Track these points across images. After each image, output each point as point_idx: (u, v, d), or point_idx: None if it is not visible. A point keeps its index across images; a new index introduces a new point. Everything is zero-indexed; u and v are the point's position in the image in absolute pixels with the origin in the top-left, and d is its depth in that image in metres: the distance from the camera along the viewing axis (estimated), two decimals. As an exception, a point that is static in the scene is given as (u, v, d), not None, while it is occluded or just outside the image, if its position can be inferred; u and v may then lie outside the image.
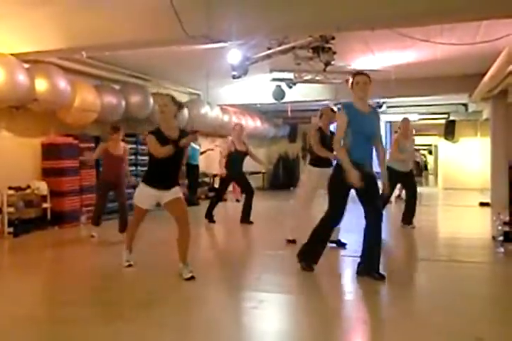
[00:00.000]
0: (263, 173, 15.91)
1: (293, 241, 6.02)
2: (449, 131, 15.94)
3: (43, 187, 7.38)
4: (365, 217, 4.46)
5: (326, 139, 5.79)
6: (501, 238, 5.82)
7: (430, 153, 25.49)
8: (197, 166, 11.38)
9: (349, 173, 4.26)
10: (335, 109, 6.50)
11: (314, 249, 4.65)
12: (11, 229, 6.83)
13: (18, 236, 6.78)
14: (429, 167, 26.20)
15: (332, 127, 5.75)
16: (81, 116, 7.89)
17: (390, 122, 16.46)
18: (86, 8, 5.71)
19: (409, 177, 7.46)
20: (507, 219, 6.08)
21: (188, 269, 4.45)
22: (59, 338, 3.13)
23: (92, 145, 8.06)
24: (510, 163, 7.57)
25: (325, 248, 4.68)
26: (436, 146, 19.11)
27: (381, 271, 4.38)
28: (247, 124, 13.84)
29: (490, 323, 3.40)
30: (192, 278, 4.37)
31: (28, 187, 7.22)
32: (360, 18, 5.19)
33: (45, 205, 7.38)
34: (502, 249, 5.60)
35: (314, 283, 4.48)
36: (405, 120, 7.70)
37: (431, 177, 23.16)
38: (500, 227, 5.95)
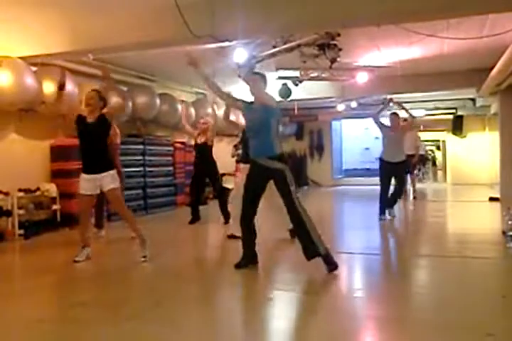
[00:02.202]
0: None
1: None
2: (457, 126, 15.86)
3: (52, 189, 7.41)
4: None
5: None
6: (511, 233, 5.78)
7: (438, 148, 25.35)
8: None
9: None
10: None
11: None
12: (22, 231, 6.88)
13: (28, 238, 6.82)
14: (437, 162, 26.06)
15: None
16: (89, 117, 7.92)
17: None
18: (91, 11, 5.74)
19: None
20: (517, 213, 6.02)
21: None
22: (70, 338, 3.14)
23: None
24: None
25: None
26: (444, 142, 18.98)
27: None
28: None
29: (501, 319, 3.38)
30: None
31: (38, 189, 7.26)
32: (365, 14, 5.18)
33: (54, 207, 7.42)
34: (512, 244, 5.56)
35: (321, 280, 4.45)
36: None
37: (439, 173, 23.03)
38: (510, 222, 5.88)
